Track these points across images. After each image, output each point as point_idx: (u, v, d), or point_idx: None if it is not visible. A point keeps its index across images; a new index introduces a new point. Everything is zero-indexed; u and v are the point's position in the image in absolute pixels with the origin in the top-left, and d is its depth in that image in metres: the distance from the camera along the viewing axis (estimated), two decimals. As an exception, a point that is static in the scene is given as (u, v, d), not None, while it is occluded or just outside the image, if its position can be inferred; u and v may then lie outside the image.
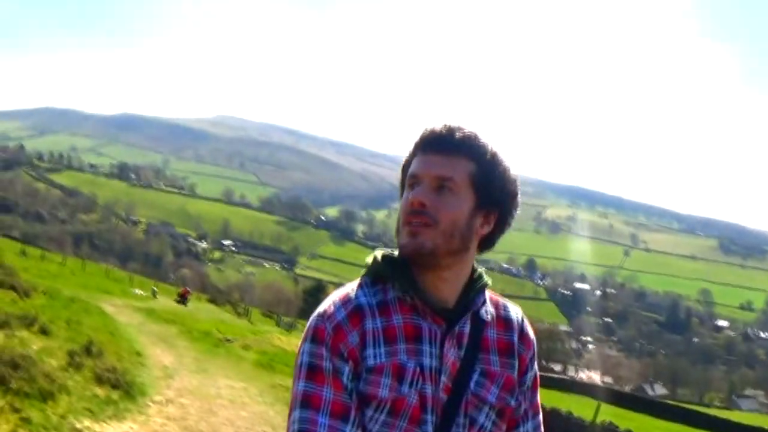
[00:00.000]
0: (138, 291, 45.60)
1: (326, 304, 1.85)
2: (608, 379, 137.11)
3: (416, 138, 1.92)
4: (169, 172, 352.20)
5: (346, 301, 1.85)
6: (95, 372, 9.86)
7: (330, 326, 1.78)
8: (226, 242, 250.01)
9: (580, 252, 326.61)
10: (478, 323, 1.94)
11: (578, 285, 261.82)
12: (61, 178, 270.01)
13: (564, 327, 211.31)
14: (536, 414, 2.08)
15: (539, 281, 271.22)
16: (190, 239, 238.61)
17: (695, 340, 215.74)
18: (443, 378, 1.82)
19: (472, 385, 1.86)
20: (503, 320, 2.02)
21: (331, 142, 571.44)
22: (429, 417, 1.79)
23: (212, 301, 64.11)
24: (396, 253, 1.93)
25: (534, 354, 2.07)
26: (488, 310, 1.99)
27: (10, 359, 7.64)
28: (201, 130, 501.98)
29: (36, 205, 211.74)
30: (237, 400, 12.13)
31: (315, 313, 1.84)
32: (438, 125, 1.88)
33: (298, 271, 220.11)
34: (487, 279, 2.00)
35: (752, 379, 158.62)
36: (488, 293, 2.03)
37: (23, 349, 8.98)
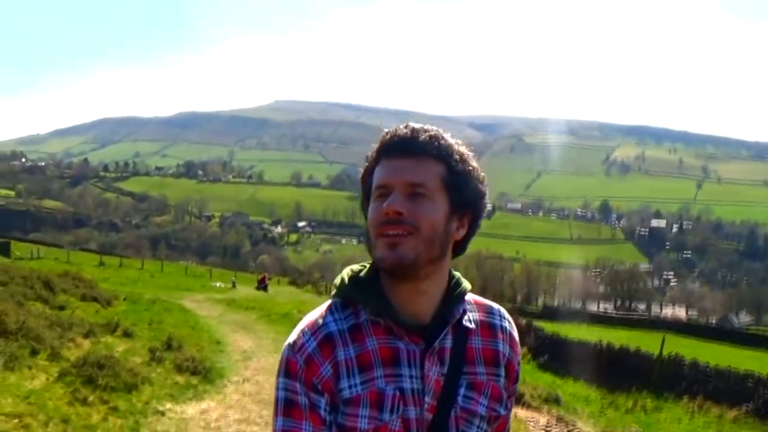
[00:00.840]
0: (218, 284, 46.96)
1: (296, 334, 1.80)
2: (693, 313, 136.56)
3: (376, 144, 1.82)
4: (236, 163, 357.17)
5: (315, 330, 1.77)
6: (175, 363, 10.89)
7: (301, 359, 1.73)
8: (301, 224, 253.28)
9: (653, 190, 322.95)
10: (461, 333, 1.87)
11: (654, 223, 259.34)
12: (129, 185, 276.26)
13: (644, 266, 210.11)
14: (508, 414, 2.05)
15: (615, 224, 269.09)
16: (265, 226, 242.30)
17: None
18: (427, 399, 1.76)
19: (459, 399, 1.81)
20: (488, 326, 1.95)
21: (392, 112, 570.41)
22: None
23: (293, 283, 65.32)
24: (363, 270, 1.88)
25: (520, 358, 2.03)
26: (471, 317, 1.93)
27: (95, 361, 8.66)
28: (261, 118, 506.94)
29: (108, 214, 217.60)
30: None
31: (286, 343, 1.80)
32: (400, 128, 1.79)
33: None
34: (466, 284, 1.92)
35: None
36: (471, 297, 1.97)
37: (108, 352, 9.94)
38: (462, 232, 1.81)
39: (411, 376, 1.73)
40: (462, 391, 1.79)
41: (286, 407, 1.68)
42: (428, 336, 1.76)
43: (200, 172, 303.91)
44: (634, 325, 53.81)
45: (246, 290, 42.91)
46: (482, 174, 1.84)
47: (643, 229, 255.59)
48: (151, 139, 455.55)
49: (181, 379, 10.18)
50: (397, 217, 1.68)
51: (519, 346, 2.00)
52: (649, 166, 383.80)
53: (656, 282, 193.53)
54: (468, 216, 1.81)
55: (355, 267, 1.89)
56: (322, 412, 1.67)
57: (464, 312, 1.86)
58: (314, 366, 1.69)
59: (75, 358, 8.92)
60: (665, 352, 21.62)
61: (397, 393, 1.70)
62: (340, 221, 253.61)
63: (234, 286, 46.29)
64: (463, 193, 1.77)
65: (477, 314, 1.93)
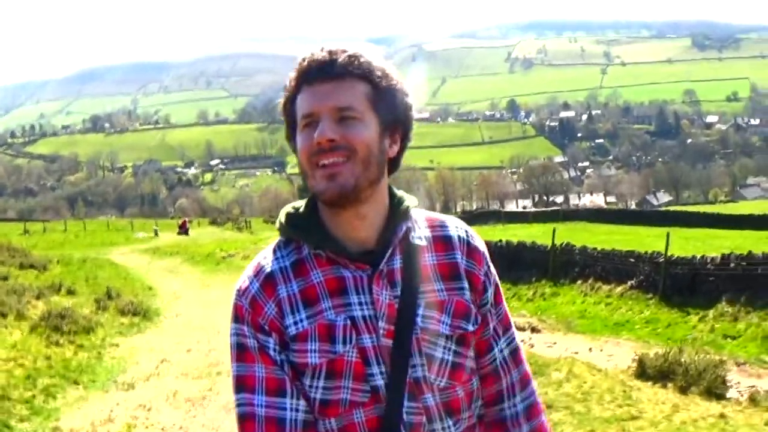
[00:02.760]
0: (140, 234, 48.77)
1: (242, 279, 1.73)
2: (612, 199, 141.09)
3: (294, 72, 1.72)
4: (141, 111, 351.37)
5: (258, 272, 1.71)
6: (118, 309, 13.38)
7: (246, 302, 1.67)
8: (214, 162, 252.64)
9: (559, 82, 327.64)
10: (411, 252, 1.75)
11: (563, 114, 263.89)
12: (38, 148, 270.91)
13: (559, 158, 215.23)
14: (507, 328, 1.91)
15: (524, 120, 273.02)
16: (179, 169, 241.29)
17: (689, 141, 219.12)
18: (381, 324, 1.65)
19: (418, 321, 1.68)
20: (442, 240, 1.82)
21: (288, 38, 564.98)
22: (375, 369, 1.65)
23: (213, 223, 66.77)
24: (301, 206, 1.80)
25: (488, 267, 1.87)
26: (422, 234, 1.80)
27: (57, 314, 11.10)
28: (160, 62, 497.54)
29: (22, 181, 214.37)
30: (231, 298, 15.49)
31: (234, 289, 1.73)
32: (317, 52, 1.69)
33: (289, 170, 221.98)
34: (410, 201, 1.81)
35: (752, 168, 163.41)
36: (421, 213, 1.85)
37: (63, 307, 12.19)
38: (395, 149, 1.77)
39: (361, 303, 1.67)
40: (420, 311, 1.70)
41: (239, 352, 1.67)
42: (374, 260, 1.70)
43: (107, 125, 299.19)
44: (548, 218, 55.81)
45: (168, 237, 44.66)
46: (406, 86, 1.80)
47: (552, 122, 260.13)
48: (53, 98, 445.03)
49: (125, 320, 12.67)
50: (330, 144, 1.62)
51: (484, 253, 1.88)
52: (551, 58, 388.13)
53: (573, 173, 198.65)
54: (399, 131, 1.77)
55: (296, 203, 1.83)
56: (272, 353, 1.65)
57: (410, 229, 1.77)
58: (258, 307, 1.67)
59: (39, 314, 11.32)
60: (578, 243, 23.80)
61: (348, 322, 1.65)
62: (253, 154, 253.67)
63: (156, 234, 48.08)
64: (391, 109, 1.73)
65: (428, 230, 1.83)
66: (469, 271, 1.79)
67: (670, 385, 8.57)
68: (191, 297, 16.52)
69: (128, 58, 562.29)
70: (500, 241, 27.46)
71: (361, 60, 1.66)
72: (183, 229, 48.73)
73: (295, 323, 1.64)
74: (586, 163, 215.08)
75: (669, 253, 18.74)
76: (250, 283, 1.69)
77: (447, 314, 1.73)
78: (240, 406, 1.64)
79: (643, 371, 9.14)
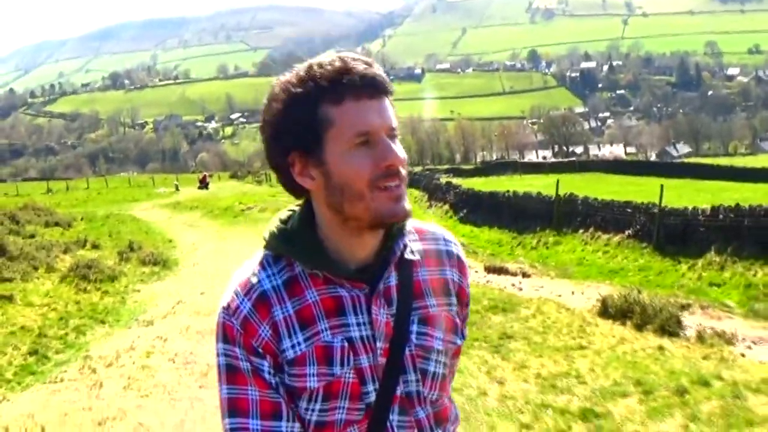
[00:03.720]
0: (162, 189, 49.88)
1: (228, 295, 1.63)
2: (631, 149, 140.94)
3: (321, 80, 1.55)
4: (160, 67, 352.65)
5: (249, 290, 1.61)
6: (140, 259, 14.55)
7: (237, 322, 1.59)
8: (234, 116, 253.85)
9: (580, 32, 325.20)
10: (406, 268, 1.71)
11: (585, 65, 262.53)
12: (59, 107, 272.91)
13: (580, 109, 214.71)
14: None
15: (546, 70, 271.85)
16: (199, 124, 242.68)
17: (710, 93, 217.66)
18: (379, 344, 1.62)
19: (413, 338, 1.67)
20: (433, 255, 1.79)
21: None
22: (371, 387, 1.62)
23: (234, 176, 68.29)
24: (288, 217, 1.72)
25: (469, 281, 1.87)
26: (414, 248, 1.75)
27: (84, 264, 12.34)
28: (178, 17, 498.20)
29: (43, 140, 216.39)
30: (245, 248, 16.64)
31: (220, 306, 1.64)
32: (354, 63, 1.57)
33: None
34: None
35: None
36: (412, 225, 1.79)
37: (89, 259, 13.35)
38: None
39: (359, 324, 1.62)
40: (414, 327, 1.68)
41: (229, 373, 1.60)
42: (371, 278, 1.65)
43: (126, 81, 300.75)
44: (564, 169, 56.10)
45: (189, 191, 45.78)
46: None
47: (573, 73, 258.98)
48: (72, 57, 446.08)
49: (146, 269, 13.87)
50: (398, 168, 1.56)
51: (467, 268, 1.87)
52: (572, 8, 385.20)
53: (593, 123, 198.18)
54: None
55: (283, 215, 1.74)
56: (267, 376, 1.59)
57: (405, 246, 1.72)
58: (252, 328, 1.59)
59: (68, 266, 12.52)
60: (593, 193, 24.32)
61: (346, 344, 1.60)
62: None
63: (177, 189, 49.09)
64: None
65: (420, 243, 1.78)
66: (457, 284, 1.82)
67: (628, 322, 9.52)
68: (208, 248, 17.66)
69: (146, 15, 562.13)
70: (507, 191, 28.33)
71: (386, 77, 1.64)
72: (203, 184, 49.64)
73: (293, 346, 1.60)
74: (607, 114, 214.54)
75: (663, 204, 19.66)
76: (240, 302, 1.62)
77: (439, 329, 1.73)
78: (233, 431, 1.60)
79: (606, 310, 10.10)
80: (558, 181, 25.33)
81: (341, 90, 1.54)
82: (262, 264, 1.65)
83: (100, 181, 66.96)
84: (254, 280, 1.63)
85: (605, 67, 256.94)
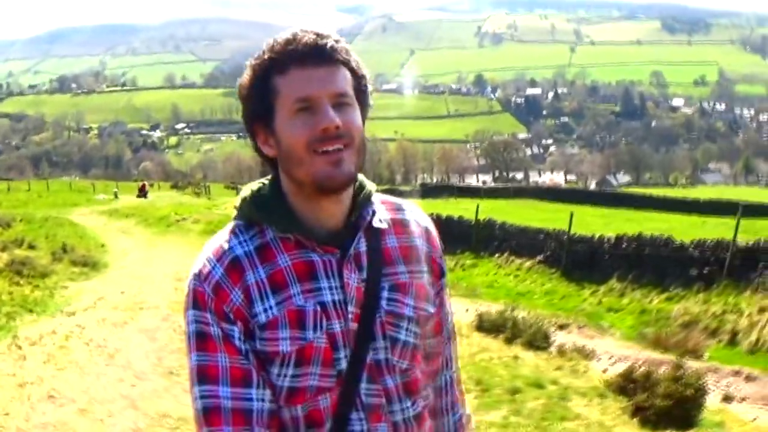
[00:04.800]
0: (101, 196, 50.31)
1: (200, 262, 1.63)
2: (572, 177, 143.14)
3: (271, 51, 1.62)
4: (108, 72, 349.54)
5: (221, 255, 1.62)
6: (71, 260, 15.73)
7: (209, 288, 1.59)
8: (179, 126, 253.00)
9: (527, 58, 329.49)
10: (374, 235, 1.73)
11: (530, 91, 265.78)
12: (4, 107, 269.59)
13: (523, 135, 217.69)
14: (449, 306, 1.94)
15: (491, 95, 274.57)
16: (144, 132, 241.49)
17: (654, 123, 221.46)
18: (350, 308, 1.63)
19: (383, 304, 1.67)
20: (401, 224, 1.80)
21: (258, 2, 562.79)
22: (342, 353, 1.62)
23: (174, 187, 68.21)
24: (263, 187, 1.75)
25: (441, 253, 1.89)
26: (382, 217, 1.77)
27: (19, 261, 13.44)
28: (128, 25, 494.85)
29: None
30: (172, 256, 17.77)
31: (191, 273, 1.64)
32: (301, 34, 1.61)
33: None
34: (370, 185, 1.78)
35: (715, 153, 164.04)
36: (378, 197, 1.81)
37: (24, 257, 14.41)
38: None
39: (331, 288, 1.62)
40: (385, 294, 1.68)
41: (199, 340, 1.59)
42: (341, 244, 1.66)
43: (74, 86, 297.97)
44: (500, 194, 57.05)
45: (128, 199, 46.14)
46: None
47: (519, 99, 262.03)
48: (21, 58, 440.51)
49: (76, 269, 15.05)
50: (336, 131, 1.57)
51: (437, 240, 1.89)
52: (521, 34, 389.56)
53: (536, 150, 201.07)
54: (365, 118, 1.71)
55: (254, 185, 1.76)
56: (237, 342, 1.58)
57: (374, 213, 1.75)
58: (223, 294, 1.59)
59: (3, 263, 13.66)
60: (521, 220, 24.96)
61: (318, 308, 1.60)
62: (219, 119, 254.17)
63: (116, 196, 49.32)
64: (366, 97, 1.71)
65: (387, 213, 1.80)
66: (427, 254, 1.82)
67: (500, 336, 10.72)
68: (137, 254, 18.78)
69: (97, 20, 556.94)
70: (432, 213, 29.41)
71: (344, 46, 1.66)
72: (142, 193, 50.06)
73: (265, 310, 1.60)
74: (550, 141, 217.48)
75: (572, 232, 20.99)
76: (212, 267, 1.62)
77: (410, 296, 1.72)
78: (203, 398, 1.58)
79: (481, 324, 11.30)
80: (478, 206, 26.40)
81: (286, 59, 1.61)
82: (233, 231, 1.69)
83: (42, 184, 67.10)
84: (226, 246, 1.65)
85: (550, 94, 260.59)
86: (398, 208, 1.84)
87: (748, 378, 10.42)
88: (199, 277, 1.61)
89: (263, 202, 1.69)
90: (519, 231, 23.80)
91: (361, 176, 1.74)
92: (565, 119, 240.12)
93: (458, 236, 25.88)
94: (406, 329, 1.70)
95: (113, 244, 21.01)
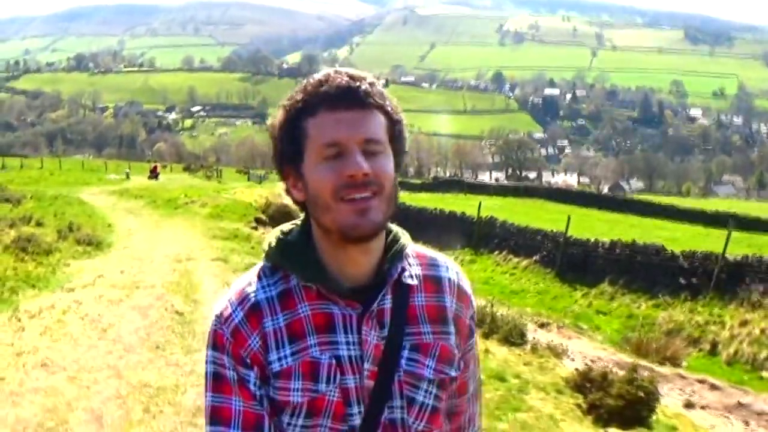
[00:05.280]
0: (112, 176, 50.92)
1: (223, 303, 1.65)
2: (585, 180, 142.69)
3: (303, 92, 1.60)
4: (126, 52, 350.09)
5: (242, 299, 1.63)
6: (76, 239, 16.21)
7: (228, 331, 1.61)
8: (195, 109, 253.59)
9: (547, 58, 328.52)
10: (402, 292, 1.68)
11: (548, 91, 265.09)
12: (21, 84, 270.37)
13: (539, 135, 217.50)
14: (476, 365, 1.92)
15: (509, 93, 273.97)
16: (159, 113, 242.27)
17: (670, 132, 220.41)
18: (366, 365, 1.60)
19: (403, 363, 1.64)
20: (432, 281, 1.75)
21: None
22: (355, 409, 1.60)
23: (187, 169, 68.45)
24: (293, 230, 1.74)
25: (474, 311, 1.84)
26: (413, 272, 1.73)
27: (25, 238, 13.96)
28: (149, 5, 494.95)
29: (3, 115, 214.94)
30: (175, 238, 18.27)
31: (213, 314, 1.66)
32: (334, 75, 1.58)
33: (269, 122, 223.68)
34: (405, 237, 1.74)
35: (729, 166, 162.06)
36: (413, 249, 1.76)
37: (30, 234, 14.93)
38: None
39: (348, 343, 1.60)
40: (405, 353, 1.65)
41: (215, 382, 1.61)
42: (366, 298, 1.63)
43: (91, 65, 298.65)
44: (510, 192, 57.16)
45: (139, 180, 46.65)
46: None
47: (536, 99, 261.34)
48: (39, 35, 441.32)
49: (80, 248, 15.53)
50: (365, 179, 1.53)
51: (470, 298, 1.82)
52: (543, 35, 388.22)
53: (551, 150, 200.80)
54: (400, 167, 1.66)
55: (285, 227, 1.75)
56: (252, 387, 1.59)
57: (404, 269, 1.70)
58: (241, 338, 1.60)
59: (11, 239, 14.08)
60: (531, 221, 25.23)
61: (333, 362, 1.58)
62: (234, 103, 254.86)
63: (128, 177, 49.97)
64: (402, 143, 1.67)
65: (419, 268, 1.76)
66: (457, 315, 1.77)
67: (479, 330, 11.15)
68: (142, 235, 19.21)
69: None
70: (435, 208, 29.87)
71: (380, 89, 1.62)
72: (154, 174, 50.43)
73: (279, 359, 1.59)
74: (565, 142, 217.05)
75: (568, 234, 21.41)
76: (233, 311, 1.63)
77: (432, 358, 1.69)
78: None
79: (459, 320, 11.69)
80: (480, 204, 26.83)
81: (316, 102, 1.58)
82: (258, 274, 1.69)
83: (54, 162, 67.75)
84: (249, 290, 1.66)
85: (568, 96, 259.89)
86: (432, 264, 1.81)
87: (713, 387, 10.85)
88: (220, 319, 1.64)
89: (290, 247, 1.69)
90: (518, 230, 24.26)
91: (396, 227, 1.75)
92: (582, 122, 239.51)
93: (460, 232, 26.36)
94: (426, 391, 1.68)
95: (120, 224, 21.45)
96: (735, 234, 19.08)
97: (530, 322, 12.81)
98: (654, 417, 7.67)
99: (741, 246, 19.39)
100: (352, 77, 1.57)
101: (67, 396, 6.41)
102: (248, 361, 1.59)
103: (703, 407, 9.95)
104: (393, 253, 1.68)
